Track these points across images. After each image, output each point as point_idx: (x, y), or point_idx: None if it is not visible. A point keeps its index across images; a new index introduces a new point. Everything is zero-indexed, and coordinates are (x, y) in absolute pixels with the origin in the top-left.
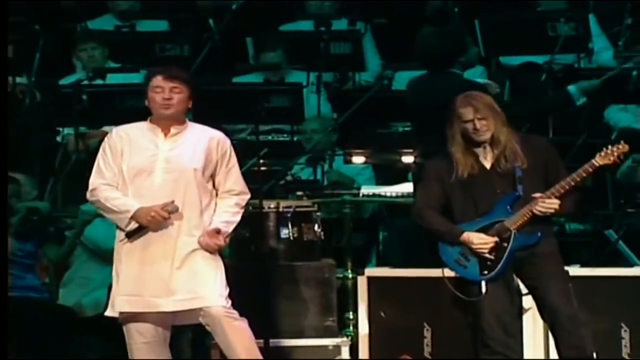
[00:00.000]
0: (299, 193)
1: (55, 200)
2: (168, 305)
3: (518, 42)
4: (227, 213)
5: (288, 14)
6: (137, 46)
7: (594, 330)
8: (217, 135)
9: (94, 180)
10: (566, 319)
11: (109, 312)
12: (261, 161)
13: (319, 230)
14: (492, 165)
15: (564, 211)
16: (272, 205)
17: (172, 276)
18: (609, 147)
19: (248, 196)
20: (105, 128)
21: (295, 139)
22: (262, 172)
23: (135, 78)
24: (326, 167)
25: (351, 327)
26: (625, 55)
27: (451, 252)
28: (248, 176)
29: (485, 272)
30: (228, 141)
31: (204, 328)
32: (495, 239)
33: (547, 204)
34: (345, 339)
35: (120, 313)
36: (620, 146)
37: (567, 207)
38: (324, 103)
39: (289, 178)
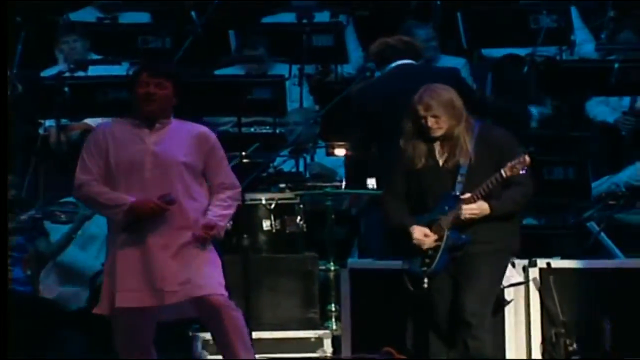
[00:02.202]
0: (282, 185)
1: (36, 193)
2: (169, 297)
3: (500, 34)
4: (220, 207)
5: (270, 7)
6: (119, 38)
7: (577, 323)
8: (203, 130)
9: (80, 176)
10: (467, 321)
11: (98, 310)
12: (243, 153)
13: (301, 222)
14: (444, 162)
15: (496, 212)
16: (254, 198)
17: (170, 269)
18: (514, 160)
19: (239, 189)
20: (87, 120)
21: (277, 131)
22: (245, 164)
23: (117, 70)
24: (308, 159)
25: (333, 320)
26: (607, 47)
27: (404, 245)
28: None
29: (425, 268)
30: (214, 135)
31: (186, 321)
32: (435, 236)
33: (465, 209)
34: (327, 331)
35: (116, 308)
36: (522, 159)
37: (497, 208)
38: (306, 95)
39: (271, 170)
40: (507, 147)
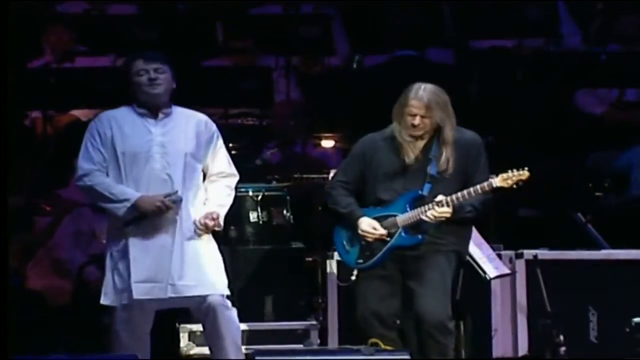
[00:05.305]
0: (269, 177)
1: (21, 184)
2: (184, 290)
3: (487, 25)
4: (221, 196)
5: None
6: (106, 30)
7: (563, 314)
8: (204, 118)
9: (83, 165)
10: (433, 328)
11: (107, 301)
12: (230, 145)
13: (288, 214)
14: (413, 161)
15: (455, 217)
16: (241, 189)
17: (182, 263)
18: (510, 171)
19: (237, 178)
20: (74, 111)
21: (264, 123)
22: (232, 156)
23: (104, 62)
24: (298, 150)
25: (320, 311)
26: (595, 39)
27: (342, 235)
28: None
29: (361, 260)
30: (214, 124)
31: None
32: (384, 231)
33: (438, 212)
34: (314, 322)
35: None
36: (520, 173)
37: (458, 213)
38: (293, 87)
39: (258, 162)
40: (471, 153)
